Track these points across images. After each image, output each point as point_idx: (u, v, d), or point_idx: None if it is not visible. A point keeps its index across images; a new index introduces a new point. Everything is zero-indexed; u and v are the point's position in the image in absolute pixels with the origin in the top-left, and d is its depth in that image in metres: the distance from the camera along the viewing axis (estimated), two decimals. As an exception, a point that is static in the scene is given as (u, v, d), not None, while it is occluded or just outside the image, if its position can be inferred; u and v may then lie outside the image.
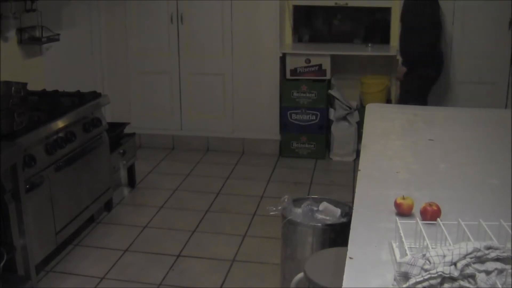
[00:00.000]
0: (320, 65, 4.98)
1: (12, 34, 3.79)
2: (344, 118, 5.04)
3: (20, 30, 3.82)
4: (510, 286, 1.19)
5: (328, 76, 5.01)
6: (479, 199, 1.85)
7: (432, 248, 1.34)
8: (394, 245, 1.48)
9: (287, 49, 5.09)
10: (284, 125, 5.13)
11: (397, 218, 1.56)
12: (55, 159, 3.19)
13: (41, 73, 4.18)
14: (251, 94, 5.17)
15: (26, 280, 2.82)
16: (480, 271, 1.21)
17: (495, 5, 4.61)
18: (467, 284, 1.19)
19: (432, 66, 4.61)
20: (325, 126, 5.06)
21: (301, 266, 2.26)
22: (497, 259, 1.24)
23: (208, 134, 5.34)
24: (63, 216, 3.30)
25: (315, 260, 2.23)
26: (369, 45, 5.07)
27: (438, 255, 1.23)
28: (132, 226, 3.85)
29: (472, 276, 1.20)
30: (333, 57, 4.97)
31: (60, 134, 3.26)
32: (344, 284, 1.33)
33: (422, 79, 4.60)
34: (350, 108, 5.04)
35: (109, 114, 4.95)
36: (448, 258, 1.22)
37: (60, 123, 3.26)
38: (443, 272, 1.19)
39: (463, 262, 1.21)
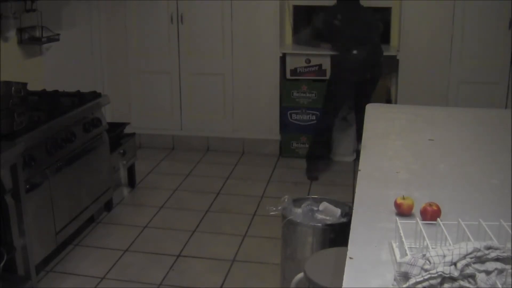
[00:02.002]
0: (320, 65, 4.98)
1: (12, 34, 3.78)
2: (344, 118, 5.03)
3: (20, 30, 3.82)
4: (510, 286, 1.19)
5: (328, 76, 5.00)
6: (479, 199, 1.85)
7: (432, 248, 1.34)
8: (394, 245, 1.48)
9: (287, 49, 5.09)
10: (284, 125, 5.13)
11: (397, 218, 1.56)
12: (55, 159, 3.19)
13: (41, 73, 4.18)
14: (251, 94, 5.17)
15: (26, 280, 2.82)
16: (480, 271, 1.21)
17: (495, 5, 4.60)
18: (467, 284, 1.19)
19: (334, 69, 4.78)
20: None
21: (301, 266, 2.26)
22: (497, 259, 1.24)
23: (208, 134, 5.34)
24: (63, 216, 3.30)
25: (315, 260, 2.23)
26: None
27: (438, 255, 1.23)
28: (132, 226, 3.85)
29: (472, 276, 1.20)
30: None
31: (60, 134, 3.26)
32: (344, 284, 1.33)
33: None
34: (350, 108, 5.03)
35: (109, 114, 4.95)
36: (448, 258, 1.22)
37: (60, 123, 3.26)
38: (443, 272, 1.19)
39: (463, 262, 1.21)
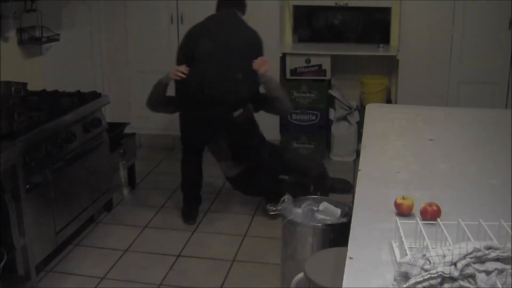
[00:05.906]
0: (320, 65, 4.97)
1: (12, 34, 3.78)
2: (344, 118, 5.04)
3: (20, 30, 3.82)
4: (510, 286, 1.19)
5: (328, 76, 5.00)
6: (479, 199, 1.85)
7: (432, 248, 1.34)
8: (394, 245, 1.48)
9: (287, 49, 5.08)
10: (284, 125, 5.12)
11: (397, 218, 1.56)
12: (55, 159, 3.19)
13: (41, 73, 4.18)
14: (251, 94, 5.15)
15: (26, 280, 2.82)
16: (480, 271, 1.21)
17: (495, 5, 4.60)
18: (467, 284, 1.19)
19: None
20: (325, 126, 5.05)
21: (301, 266, 2.26)
22: (497, 259, 1.24)
23: (208, 134, 5.33)
24: (63, 216, 3.30)
25: (315, 260, 2.23)
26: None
27: (438, 255, 1.23)
28: (132, 226, 3.85)
29: (472, 276, 1.20)
30: (333, 57, 4.96)
31: (60, 134, 3.26)
32: (344, 284, 1.33)
33: None
34: (350, 108, 5.04)
35: (109, 114, 4.94)
36: (448, 258, 1.22)
37: (60, 123, 3.26)
38: (443, 272, 1.19)
39: (463, 262, 1.21)
